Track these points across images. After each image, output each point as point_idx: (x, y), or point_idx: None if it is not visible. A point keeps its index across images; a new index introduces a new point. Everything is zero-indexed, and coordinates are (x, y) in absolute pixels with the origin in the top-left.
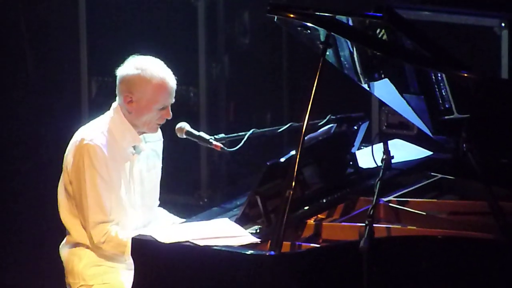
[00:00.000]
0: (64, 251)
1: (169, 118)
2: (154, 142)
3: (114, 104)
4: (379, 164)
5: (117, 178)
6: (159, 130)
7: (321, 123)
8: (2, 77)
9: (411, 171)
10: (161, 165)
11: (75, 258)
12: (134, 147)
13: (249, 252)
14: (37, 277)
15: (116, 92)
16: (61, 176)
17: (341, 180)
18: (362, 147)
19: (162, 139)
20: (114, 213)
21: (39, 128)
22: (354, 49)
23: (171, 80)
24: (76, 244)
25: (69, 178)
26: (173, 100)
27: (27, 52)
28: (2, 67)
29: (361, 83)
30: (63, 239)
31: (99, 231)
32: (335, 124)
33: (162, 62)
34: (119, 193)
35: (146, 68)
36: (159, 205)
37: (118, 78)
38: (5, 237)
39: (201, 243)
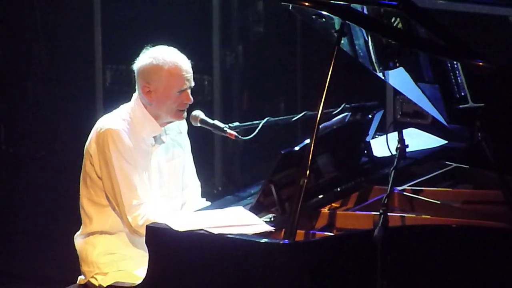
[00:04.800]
0: (79, 240)
1: (190, 102)
2: (175, 134)
3: (135, 95)
4: (394, 153)
5: (140, 165)
6: (184, 123)
7: (335, 112)
8: (16, 67)
9: (425, 160)
10: (185, 156)
11: (89, 247)
12: (155, 139)
13: (263, 240)
14: (52, 266)
15: (136, 87)
16: (83, 165)
17: (355, 169)
18: (376, 136)
19: (183, 131)
20: (143, 195)
21: (54, 117)
22: (369, 37)
23: (184, 63)
24: (92, 233)
25: (97, 166)
26: (192, 84)
27: (41, 41)
28: (16, 56)
29: (376, 71)
30: (77, 228)
31: (135, 214)
32: (350, 113)
33: (175, 49)
34: (143, 177)
35: (157, 55)
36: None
37: (135, 72)
38: (20, 227)
39: (215, 231)
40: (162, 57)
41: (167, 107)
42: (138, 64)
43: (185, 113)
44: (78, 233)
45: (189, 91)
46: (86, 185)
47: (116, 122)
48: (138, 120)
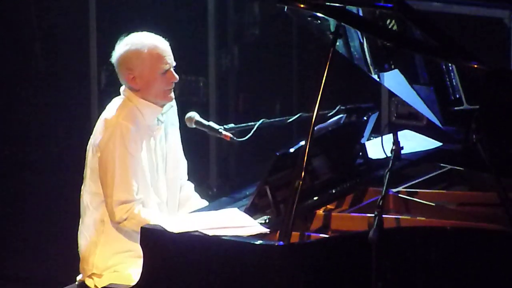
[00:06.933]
0: (83, 237)
1: (176, 80)
2: (167, 111)
3: (122, 88)
4: (389, 154)
5: (144, 157)
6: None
7: (330, 114)
8: (12, 68)
9: (420, 162)
10: (177, 131)
11: (92, 247)
12: (157, 119)
13: (258, 242)
14: (48, 267)
15: (119, 78)
16: (87, 162)
17: (350, 171)
18: (371, 138)
19: (174, 105)
20: (141, 192)
21: (49, 118)
22: (364, 39)
23: (162, 43)
24: (94, 227)
25: (98, 152)
26: (174, 63)
27: (37, 42)
28: (11, 58)
29: (371, 73)
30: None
31: (121, 210)
32: (345, 115)
33: (149, 32)
34: (146, 171)
35: (134, 41)
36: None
37: (115, 64)
38: (15, 228)
39: (210, 233)
40: (140, 41)
41: (155, 89)
42: (117, 54)
43: (173, 93)
44: (82, 229)
45: (172, 69)
46: (93, 181)
47: (126, 115)
48: (136, 108)
